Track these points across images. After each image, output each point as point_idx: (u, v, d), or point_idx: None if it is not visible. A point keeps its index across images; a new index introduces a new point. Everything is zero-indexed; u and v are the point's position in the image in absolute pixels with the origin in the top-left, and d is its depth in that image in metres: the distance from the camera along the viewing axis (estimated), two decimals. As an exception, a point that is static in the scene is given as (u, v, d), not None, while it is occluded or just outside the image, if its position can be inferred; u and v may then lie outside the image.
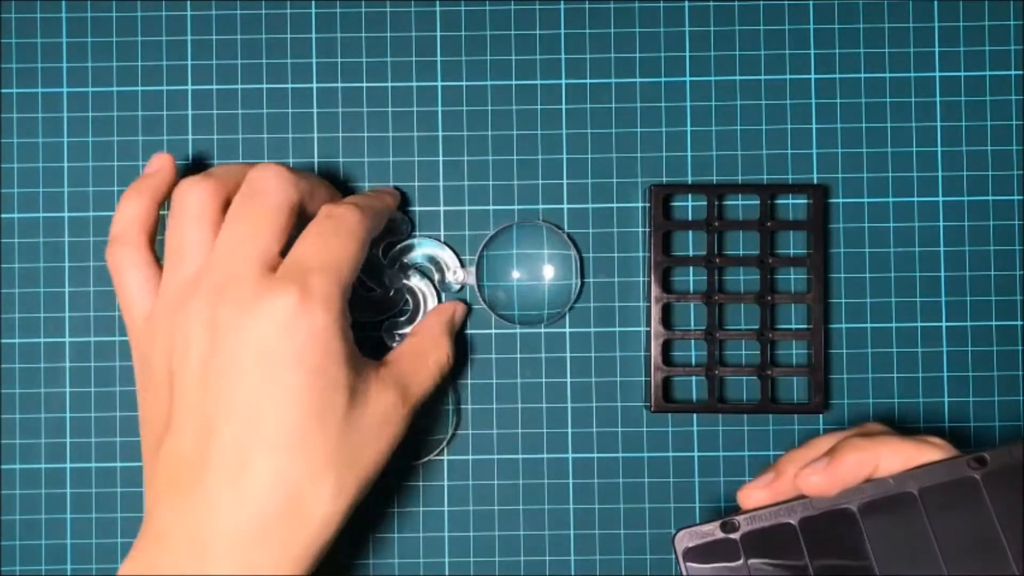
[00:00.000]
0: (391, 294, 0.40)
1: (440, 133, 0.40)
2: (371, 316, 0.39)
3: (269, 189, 0.33)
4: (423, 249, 0.40)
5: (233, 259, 0.32)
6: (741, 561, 0.32)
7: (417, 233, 0.40)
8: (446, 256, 0.40)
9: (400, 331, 0.40)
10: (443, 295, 0.40)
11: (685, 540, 0.32)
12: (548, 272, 0.40)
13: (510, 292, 0.40)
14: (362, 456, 0.32)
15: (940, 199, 0.40)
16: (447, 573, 0.39)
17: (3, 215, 0.40)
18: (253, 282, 0.31)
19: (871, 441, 0.32)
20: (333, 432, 0.31)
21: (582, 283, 0.40)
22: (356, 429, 0.32)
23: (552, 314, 0.40)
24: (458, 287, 0.40)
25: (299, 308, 0.31)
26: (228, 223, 0.33)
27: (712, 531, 0.32)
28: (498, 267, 0.40)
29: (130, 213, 0.35)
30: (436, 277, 0.40)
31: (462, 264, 0.40)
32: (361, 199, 0.36)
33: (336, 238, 0.33)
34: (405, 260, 0.40)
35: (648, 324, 0.39)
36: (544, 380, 0.40)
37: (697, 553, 0.32)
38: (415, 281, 0.40)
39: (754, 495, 0.33)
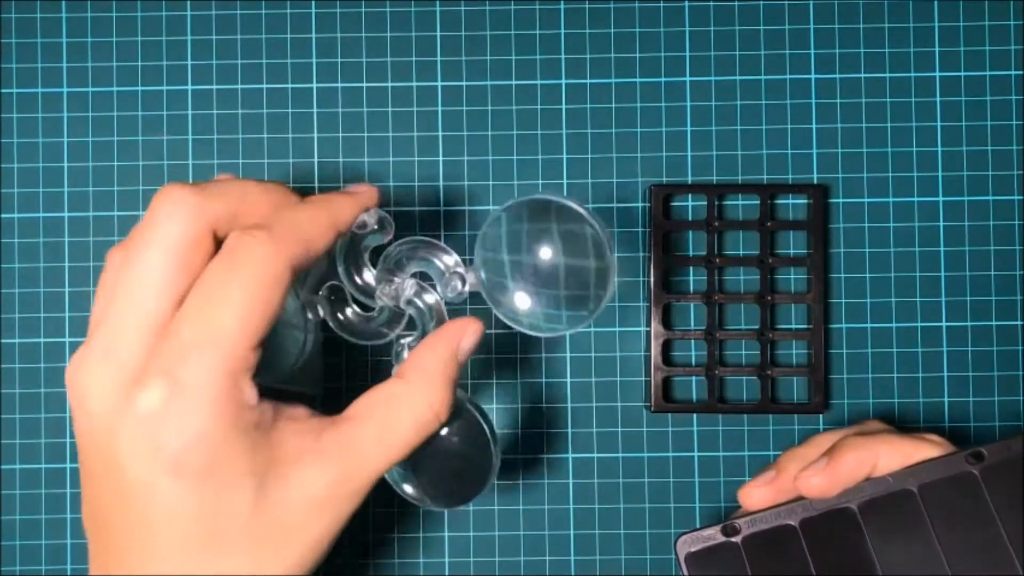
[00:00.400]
0: (387, 314, 0.33)
1: (440, 133, 0.40)
2: (367, 339, 0.34)
3: (158, 220, 0.27)
4: (418, 251, 0.33)
5: (111, 322, 0.27)
6: (743, 564, 0.32)
7: (416, 234, 0.34)
8: (444, 258, 0.33)
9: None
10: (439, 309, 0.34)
11: (687, 545, 0.32)
12: (561, 258, 0.32)
13: (528, 292, 0.32)
14: (289, 546, 0.28)
15: (940, 199, 0.40)
16: (447, 573, 0.39)
17: (3, 215, 0.40)
18: (124, 366, 0.27)
19: (869, 439, 0.32)
20: (238, 531, 0.27)
21: (612, 264, 0.32)
22: (275, 518, 0.28)
23: (579, 316, 0.32)
24: (458, 295, 0.33)
25: (167, 409, 0.26)
26: (116, 270, 0.28)
27: (713, 535, 0.32)
28: (504, 265, 0.32)
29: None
30: (439, 288, 0.33)
31: (463, 264, 0.33)
32: (289, 213, 0.29)
33: (225, 292, 0.27)
34: (397, 268, 0.33)
35: (648, 324, 0.39)
36: (544, 380, 0.40)
37: (699, 558, 0.32)
38: (414, 292, 0.33)
39: (755, 494, 0.33)
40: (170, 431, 0.26)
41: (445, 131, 0.40)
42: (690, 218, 0.40)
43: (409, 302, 0.33)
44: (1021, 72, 0.40)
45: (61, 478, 0.39)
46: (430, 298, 0.33)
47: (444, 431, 0.32)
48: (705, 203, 0.39)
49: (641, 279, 0.40)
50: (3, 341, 0.40)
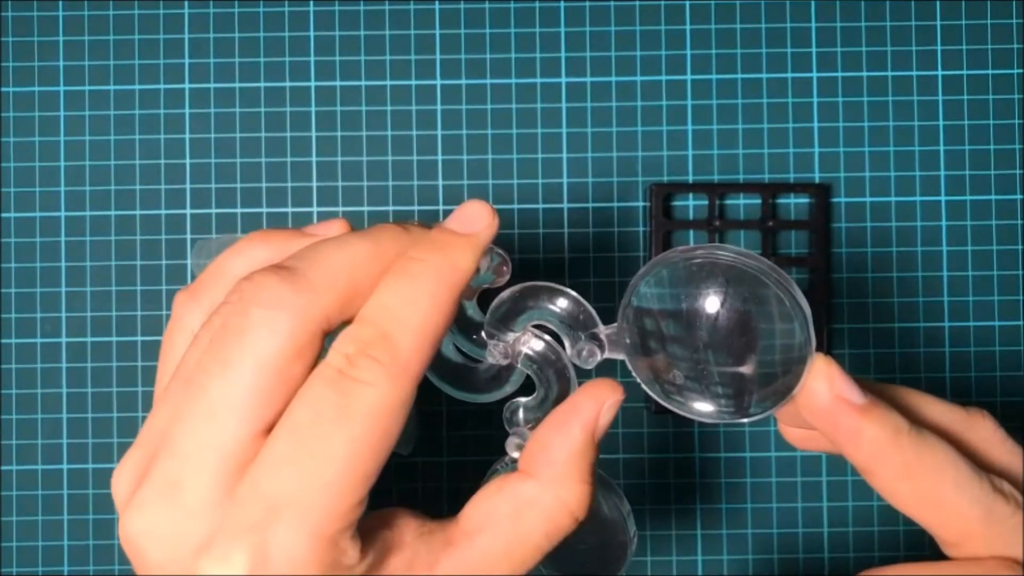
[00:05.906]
0: (497, 372, 0.27)
1: (439, 132, 0.40)
2: (473, 393, 0.27)
3: (251, 330, 0.22)
4: (539, 301, 0.25)
5: (178, 451, 0.22)
6: None
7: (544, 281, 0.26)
8: (572, 310, 0.25)
9: (523, 434, 0.26)
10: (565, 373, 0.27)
11: None
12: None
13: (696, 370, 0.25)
14: None
15: (943, 198, 0.40)
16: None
17: (0, 215, 0.40)
18: (194, 517, 0.21)
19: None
20: None
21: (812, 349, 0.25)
22: None
23: (769, 401, 0.25)
24: (590, 364, 0.26)
25: None
26: (183, 378, 0.22)
27: None
28: (662, 326, 0.25)
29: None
30: (568, 346, 0.26)
31: (593, 323, 0.25)
32: (407, 297, 0.22)
33: (330, 437, 0.21)
34: (510, 321, 0.26)
35: (649, 324, 0.39)
36: (544, 381, 0.39)
37: None
38: (531, 346, 0.26)
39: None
40: None
41: (444, 130, 0.40)
42: (691, 218, 0.40)
43: (528, 358, 0.26)
44: (1023, 71, 0.40)
45: (58, 479, 0.39)
46: (557, 357, 0.26)
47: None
48: (706, 202, 0.39)
49: (641, 279, 0.40)
50: (0, 341, 0.39)
